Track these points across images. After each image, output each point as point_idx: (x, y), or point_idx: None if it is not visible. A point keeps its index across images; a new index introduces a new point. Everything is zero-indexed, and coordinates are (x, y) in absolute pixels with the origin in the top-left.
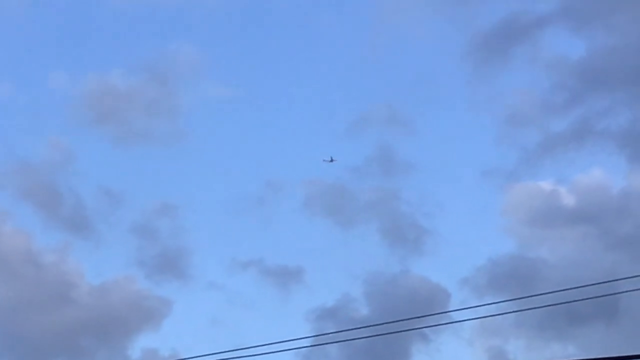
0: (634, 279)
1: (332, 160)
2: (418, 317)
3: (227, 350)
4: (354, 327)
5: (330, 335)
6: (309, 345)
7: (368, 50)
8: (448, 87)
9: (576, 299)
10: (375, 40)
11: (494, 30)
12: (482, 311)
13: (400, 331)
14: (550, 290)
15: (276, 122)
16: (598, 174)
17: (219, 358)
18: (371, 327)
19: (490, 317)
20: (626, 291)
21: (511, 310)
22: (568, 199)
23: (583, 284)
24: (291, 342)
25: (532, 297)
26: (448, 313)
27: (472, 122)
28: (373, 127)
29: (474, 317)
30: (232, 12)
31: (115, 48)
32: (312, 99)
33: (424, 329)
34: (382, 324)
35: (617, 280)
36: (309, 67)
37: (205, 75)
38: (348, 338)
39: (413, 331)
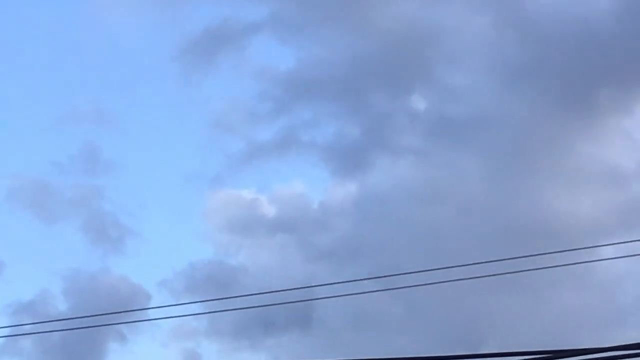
0: (328, 287)
1: None
2: (111, 313)
3: None
4: (49, 320)
5: (25, 327)
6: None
7: (77, 44)
8: (157, 88)
9: (270, 304)
10: (86, 35)
11: (203, 35)
12: (177, 312)
13: (93, 326)
14: (245, 294)
15: None
16: (299, 185)
17: None
18: (67, 321)
19: (186, 322)
20: (319, 298)
21: (205, 312)
22: (268, 209)
23: (278, 290)
24: None
25: (228, 302)
26: (146, 313)
27: (179, 125)
28: (79, 123)
29: (167, 316)
30: None
31: None
32: (18, 91)
33: (121, 326)
34: (77, 317)
35: (311, 287)
36: (15, 58)
37: None
38: (40, 331)
39: (112, 331)
